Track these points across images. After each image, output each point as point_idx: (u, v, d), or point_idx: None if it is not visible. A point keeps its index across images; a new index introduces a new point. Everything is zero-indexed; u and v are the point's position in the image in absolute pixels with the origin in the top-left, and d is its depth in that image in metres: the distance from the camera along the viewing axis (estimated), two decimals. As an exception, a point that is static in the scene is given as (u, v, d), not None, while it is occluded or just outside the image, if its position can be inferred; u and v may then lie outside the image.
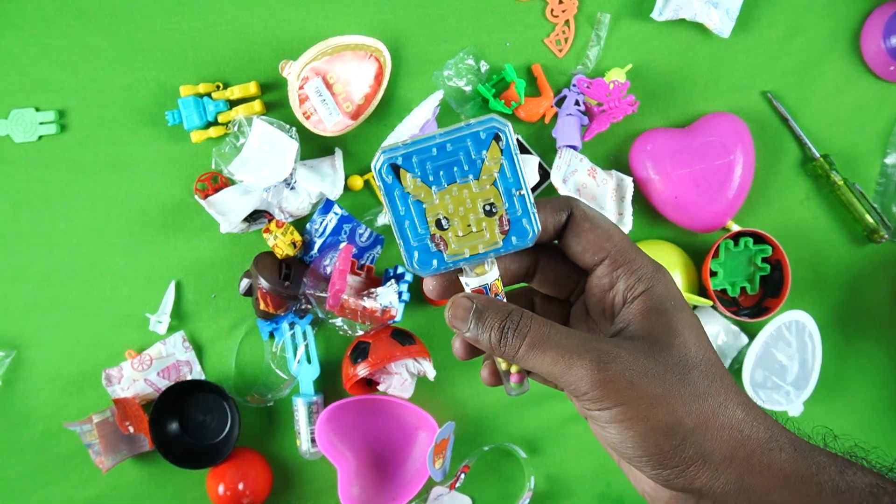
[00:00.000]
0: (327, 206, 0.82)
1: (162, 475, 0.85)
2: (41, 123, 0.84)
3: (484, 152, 0.35)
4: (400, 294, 0.80)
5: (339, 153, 0.83)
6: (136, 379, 0.84)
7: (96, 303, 0.85)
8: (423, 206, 0.36)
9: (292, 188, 0.81)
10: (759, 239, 0.82)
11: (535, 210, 0.36)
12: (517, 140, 0.83)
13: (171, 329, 0.85)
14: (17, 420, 0.85)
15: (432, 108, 0.78)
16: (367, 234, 0.84)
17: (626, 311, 0.34)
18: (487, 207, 0.36)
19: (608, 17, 0.84)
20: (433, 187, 0.35)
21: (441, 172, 0.35)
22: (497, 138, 0.35)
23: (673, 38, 0.86)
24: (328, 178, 0.82)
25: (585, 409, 0.33)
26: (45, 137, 0.84)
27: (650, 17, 0.84)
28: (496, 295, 0.36)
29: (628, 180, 0.82)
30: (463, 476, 0.84)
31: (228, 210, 0.79)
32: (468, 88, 0.84)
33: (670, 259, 0.82)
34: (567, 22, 0.85)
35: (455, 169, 0.35)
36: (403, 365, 0.82)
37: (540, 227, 0.35)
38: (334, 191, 0.81)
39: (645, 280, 0.34)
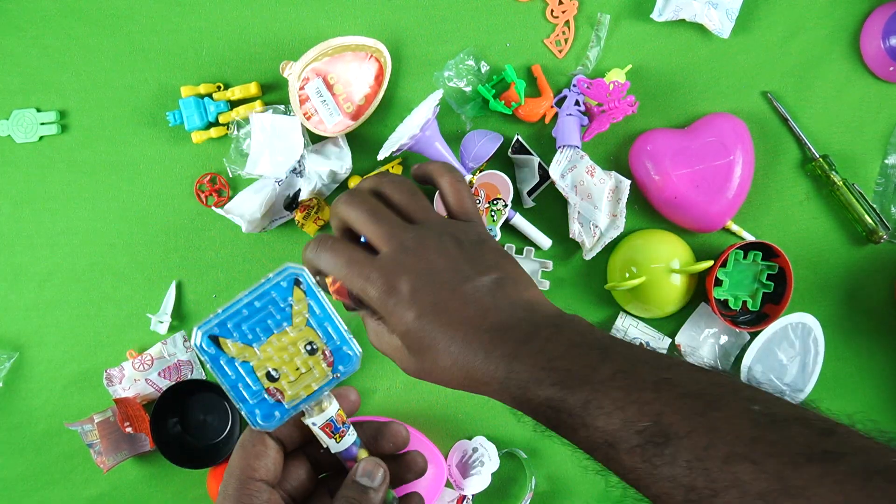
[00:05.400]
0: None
1: (163, 475, 0.85)
2: (42, 124, 0.84)
3: (290, 298, 0.37)
4: None
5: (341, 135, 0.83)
6: (137, 379, 0.84)
7: (97, 303, 0.85)
8: (251, 364, 0.37)
9: (301, 175, 0.81)
10: (767, 252, 0.82)
11: (350, 335, 0.38)
12: (518, 140, 0.83)
13: (172, 329, 0.85)
14: (18, 420, 0.85)
15: (432, 108, 0.78)
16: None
17: None
18: (309, 347, 0.38)
19: (608, 17, 0.84)
20: (254, 345, 0.37)
21: (257, 329, 0.37)
22: (297, 282, 0.37)
23: (673, 38, 0.86)
24: (334, 156, 0.82)
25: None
26: (46, 138, 0.84)
27: (650, 17, 0.84)
28: (343, 423, 0.39)
29: (626, 183, 0.82)
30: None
31: (245, 211, 0.80)
32: (468, 89, 0.84)
33: (670, 248, 0.82)
34: (567, 23, 0.85)
35: (269, 321, 0.37)
36: None
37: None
38: (343, 165, 0.82)
39: None
